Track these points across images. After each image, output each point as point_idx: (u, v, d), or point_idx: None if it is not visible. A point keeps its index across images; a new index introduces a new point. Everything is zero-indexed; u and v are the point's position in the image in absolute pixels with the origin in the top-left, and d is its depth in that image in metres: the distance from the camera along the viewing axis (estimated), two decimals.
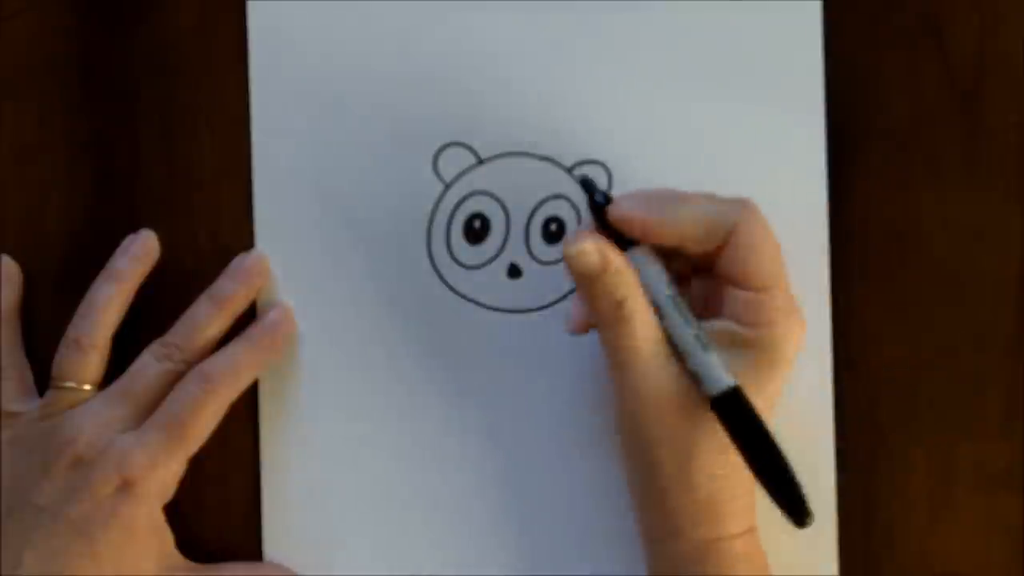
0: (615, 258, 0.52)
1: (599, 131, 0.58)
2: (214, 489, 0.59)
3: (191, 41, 0.59)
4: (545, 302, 0.59)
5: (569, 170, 0.58)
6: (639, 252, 0.53)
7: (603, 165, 0.58)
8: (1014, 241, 0.58)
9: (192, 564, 0.58)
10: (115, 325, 0.57)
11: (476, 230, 0.59)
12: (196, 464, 0.57)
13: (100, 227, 0.59)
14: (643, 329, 0.52)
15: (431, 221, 0.59)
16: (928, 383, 0.58)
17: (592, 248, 0.52)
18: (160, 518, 0.56)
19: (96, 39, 0.59)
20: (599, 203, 0.53)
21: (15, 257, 0.59)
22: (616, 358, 0.53)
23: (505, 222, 0.59)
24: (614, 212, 0.53)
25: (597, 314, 0.53)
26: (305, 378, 0.59)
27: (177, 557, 0.57)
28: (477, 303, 0.59)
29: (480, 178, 0.59)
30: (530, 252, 0.58)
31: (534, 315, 0.59)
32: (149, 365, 0.57)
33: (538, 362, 0.58)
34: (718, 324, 0.53)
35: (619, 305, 0.52)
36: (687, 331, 0.52)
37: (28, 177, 0.59)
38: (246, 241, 0.59)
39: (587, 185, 0.53)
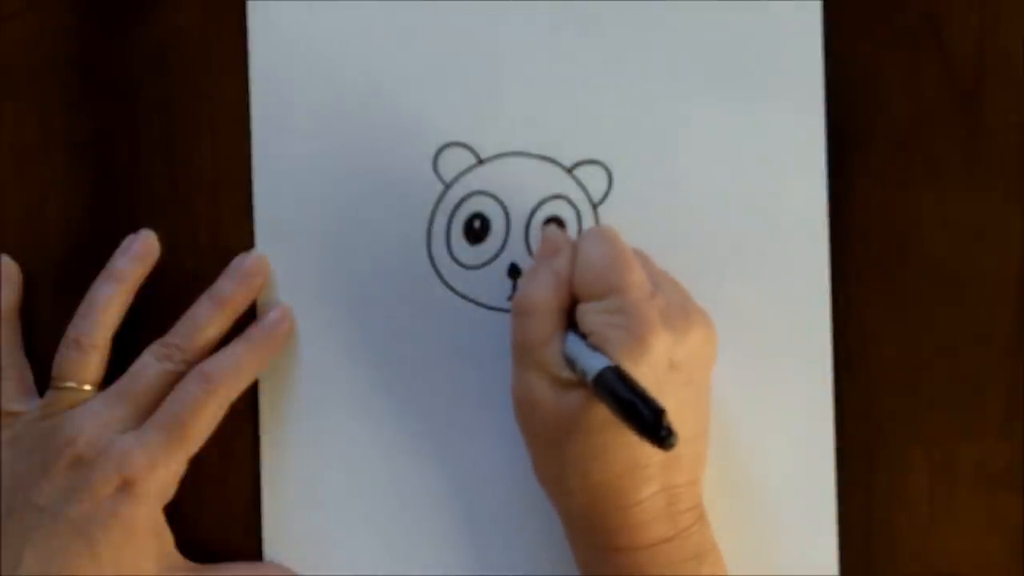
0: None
1: (599, 131, 0.58)
2: (214, 489, 0.59)
3: (191, 41, 0.59)
4: None
5: (569, 170, 0.58)
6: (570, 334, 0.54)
7: (603, 165, 0.58)
8: (1014, 241, 0.58)
9: (192, 564, 0.58)
10: (115, 325, 0.57)
11: (476, 230, 0.59)
12: (196, 464, 0.57)
13: (100, 227, 0.59)
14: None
15: (431, 221, 0.59)
16: (928, 383, 0.58)
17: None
18: (160, 518, 0.56)
19: (96, 39, 0.59)
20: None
21: (15, 257, 0.59)
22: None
23: (505, 222, 0.59)
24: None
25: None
26: (305, 378, 0.59)
27: (177, 557, 0.57)
28: (477, 303, 0.59)
29: (480, 178, 0.59)
30: (530, 252, 0.58)
31: None
32: (149, 365, 0.57)
33: None
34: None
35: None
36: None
37: (28, 177, 0.59)
38: (246, 241, 0.59)
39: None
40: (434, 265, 0.59)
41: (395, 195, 0.59)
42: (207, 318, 0.57)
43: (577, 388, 0.52)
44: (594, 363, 0.51)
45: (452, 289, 0.59)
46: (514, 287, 0.58)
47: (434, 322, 0.59)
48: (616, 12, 0.58)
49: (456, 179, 0.59)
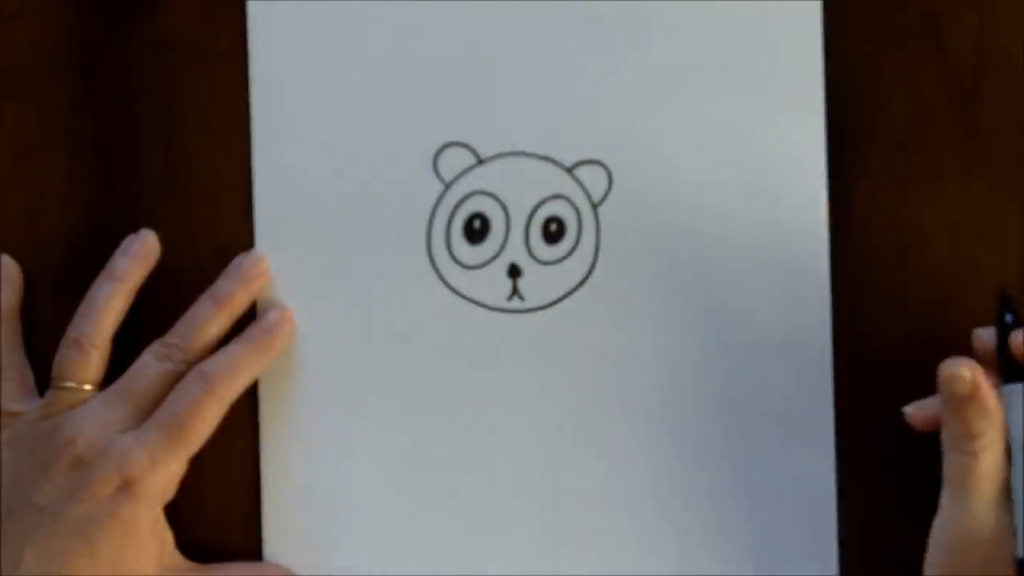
0: (987, 395, 0.52)
1: (599, 131, 0.58)
2: (214, 489, 0.59)
3: (191, 41, 0.59)
4: (545, 302, 0.59)
5: (569, 170, 0.58)
6: (1019, 389, 0.52)
7: (603, 165, 0.58)
8: (1014, 241, 0.58)
9: (192, 564, 0.58)
10: (115, 325, 0.57)
11: (476, 230, 0.59)
12: (196, 464, 0.57)
13: (100, 227, 0.59)
14: (987, 468, 0.52)
15: (431, 221, 0.59)
16: (928, 383, 0.58)
17: (967, 376, 0.52)
18: (160, 518, 0.56)
19: (96, 39, 0.59)
20: (1007, 324, 0.53)
21: (15, 257, 0.59)
22: (950, 482, 0.53)
23: (505, 222, 0.59)
24: (1017, 342, 0.53)
25: (948, 433, 0.53)
26: (305, 378, 0.59)
27: (177, 557, 0.57)
28: (477, 303, 0.59)
29: (480, 178, 0.59)
30: (530, 252, 0.59)
31: (534, 315, 0.59)
32: (149, 365, 0.57)
33: (538, 362, 0.58)
34: None
35: (972, 439, 0.52)
36: None
37: (28, 177, 0.59)
38: (246, 241, 0.59)
39: (1005, 302, 0.54)
40: (434, 265, 0.59)
41: (395, 195, 0.59)
42: (207, 318, 0.57)
43: None
44: None
45: (452, 289, 0.59)
46: (514, 287, 0.59)
47: (434, 322, 0.59)
48: (616, 12, 0.58)
49: (456, 179, 0.59)
